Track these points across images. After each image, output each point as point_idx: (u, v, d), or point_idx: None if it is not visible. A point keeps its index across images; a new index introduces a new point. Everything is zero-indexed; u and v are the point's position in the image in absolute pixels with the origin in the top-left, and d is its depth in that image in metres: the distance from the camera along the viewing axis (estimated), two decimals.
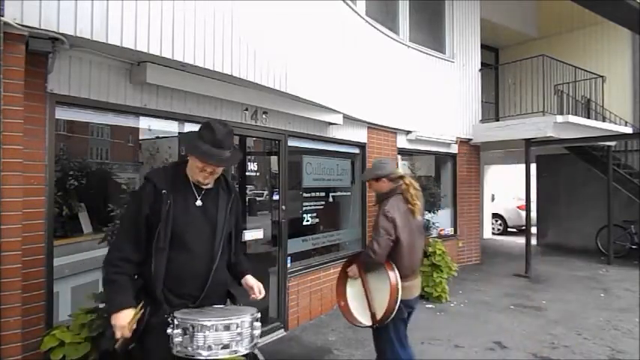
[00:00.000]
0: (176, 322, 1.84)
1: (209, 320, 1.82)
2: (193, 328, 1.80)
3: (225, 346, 1.83)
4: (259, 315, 1.99)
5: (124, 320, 1.89)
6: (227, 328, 1.83)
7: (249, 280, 2.28)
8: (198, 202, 2.09)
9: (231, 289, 2.27)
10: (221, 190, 2.19)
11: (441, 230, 8.03)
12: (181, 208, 2.03)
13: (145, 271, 2.02)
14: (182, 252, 2.01)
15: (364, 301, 3.05)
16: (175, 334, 1.82)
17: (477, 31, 9.08)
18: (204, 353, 1.79)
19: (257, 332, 1.95)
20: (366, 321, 3.03)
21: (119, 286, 1.96)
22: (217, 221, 2.12)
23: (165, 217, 1.97)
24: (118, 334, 1.90)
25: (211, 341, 1.80)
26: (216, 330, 1.81)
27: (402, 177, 3.14)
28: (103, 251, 3.09)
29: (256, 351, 2.14)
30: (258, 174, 5.10)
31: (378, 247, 2.91)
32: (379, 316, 2.93)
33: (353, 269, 3.14)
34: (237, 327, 1.86)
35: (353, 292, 3.17)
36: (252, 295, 2.25)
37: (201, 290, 2.04)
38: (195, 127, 4.11)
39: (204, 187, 2.13)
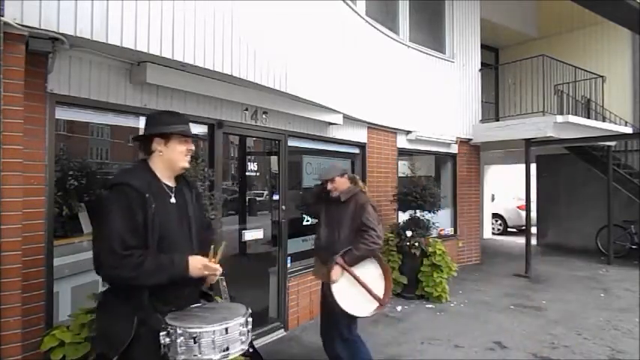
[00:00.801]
0: (179, 330, 1.77)
1: (211, 326, 1.80)
2: (198, 334, 1.77)
3: (227, 348, 1.83)
4: (250, 311, 2.01)
5: (198, 264, 1.89)
6: (226, 330, 1.82)
7: None
8: (173, 200, 2.02)
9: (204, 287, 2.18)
10: (183, 187, 2.13)
11: (441, 230, 8.02)
12: (162, 209, 1.94)
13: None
14: (169, 254, 1.92)
15: (362, 292, 3.18)
16: (180, 342, 1.77)
17: (477, 31, 9.08)
18: (215, 357, 1.79)
19: (250, 327, 1.97)
20: (373, 308, 3.18)
21: (155, 259, 1.83)
22: (190, 217, 2.06)
23: (151, 221, 1.87)
24: (210, 275, 2.00)
25: (217, 344, 1.79)
26: (219, 334, 1.80)
27: (354, 178, 3.59)
28: None
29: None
30: (258, 174, 5.10)
31: (381, 233, 3.25)
32: (388, 296, 3.25)
33: (335, 272, 3.16)
34: (240, 326, 1.88)
35: (341, 292, 3.15)
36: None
37: (183, 291, 1.98)
38: (196, 127, 4.14)
39: (172, 184, 2.06)
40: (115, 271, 1.82)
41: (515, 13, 10.88)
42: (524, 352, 4.40)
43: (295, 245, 5.28)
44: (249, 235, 4.68)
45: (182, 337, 1.77)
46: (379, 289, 3.23)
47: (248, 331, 1.93)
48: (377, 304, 3.18)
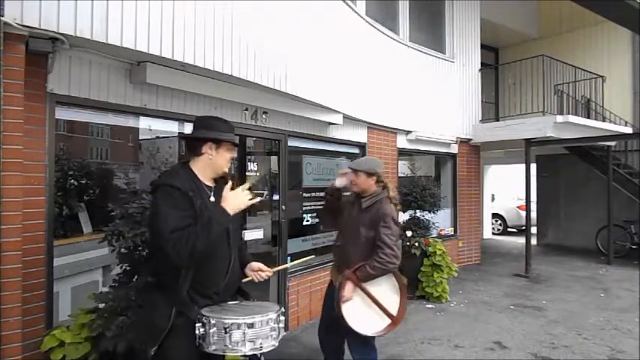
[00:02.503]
0: (213, 321, 1.87)
1: (242, 318, 1.88)
2: (229, 326, 1.85)
3: (258, 342, 1.90)
4: (283, 309, 2.09)
5: (229, 197, 1.98)
6: (256, 324, 1.90)
7: (254, 264, 2.34)
8: (212, 199, 2.10)
9: (242, 285, 2.30)
10: (222, 186, 2.17)
11: (441, 230, 8.01)
12: (203, 206, 2.02)
13: (167, 275, 1.97)
14: (207, 251, 1.97)
15: (375, 309, 2.94)
16: (213, 333, 1.86)
17: (477, 31, 9.07)
18: (245, 349, 1.86)
19: (281, 324, 2.04)
20: (385, 324, 2.95)
21: (195, 225, 1.89)
22: None
23: (200, 214, 1.94)
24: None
25: (248, 337, 1.87)
26: (249, 327, 1.88)
27: (384, 181, 3.20)
28: (104, 251, 3.10)
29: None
30: (258, 174, 5.11)
31: (398, 251, 2.94)
32: (401, 313, 2.96)
33: (347, 291, 2.89)
34: (271, 322, 1.96)
35: (353, 310, 2.93)
36: (262, 274, 2.30)
37: (220, 287, 2.08)
38: None
39: (211, 184, 2.15)
40: (175, 253, 1.85)
41: (515, 13, 10.88)
42: (524, 352, 4.40)
43: (295, 245, 5.28)
44: (249, 235, 4.68)
45: (215, 328, 1.86)
46: (393, 305, 2.96)
47: (279, 328, 2.00)
48: (389, 322, 2.93)
